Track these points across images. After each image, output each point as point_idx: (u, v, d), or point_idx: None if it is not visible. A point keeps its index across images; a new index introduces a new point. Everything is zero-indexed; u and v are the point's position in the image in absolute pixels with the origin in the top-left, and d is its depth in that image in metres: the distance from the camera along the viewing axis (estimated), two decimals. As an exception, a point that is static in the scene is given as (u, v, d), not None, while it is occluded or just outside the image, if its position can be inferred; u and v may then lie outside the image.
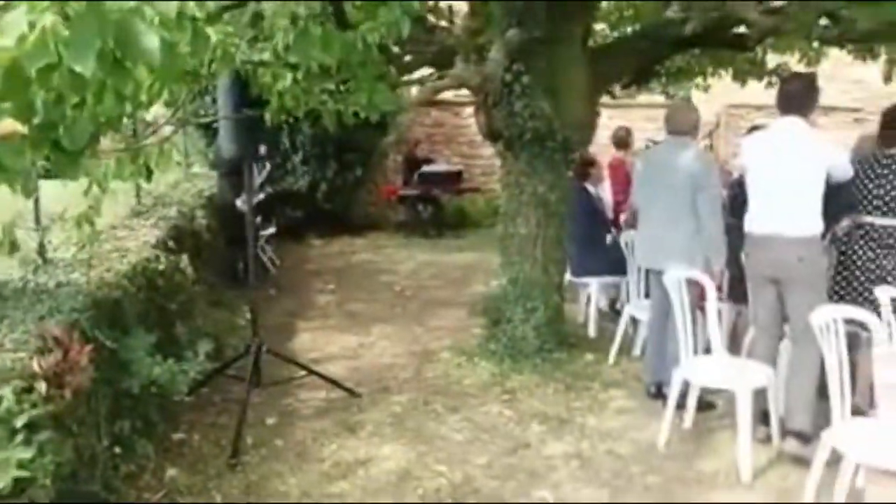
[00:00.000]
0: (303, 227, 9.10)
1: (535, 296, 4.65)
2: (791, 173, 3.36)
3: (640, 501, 3.09)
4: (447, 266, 7.84)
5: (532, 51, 4.35)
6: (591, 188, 5.59)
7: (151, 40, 1.49)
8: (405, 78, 4.69)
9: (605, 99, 7.56)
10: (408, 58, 4.33)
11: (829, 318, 2.80)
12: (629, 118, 10.74)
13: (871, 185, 3.49)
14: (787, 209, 3.38)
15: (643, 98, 10.99)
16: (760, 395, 3.45)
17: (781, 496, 3.09)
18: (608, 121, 9.35)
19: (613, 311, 5.62)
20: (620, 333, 4.70)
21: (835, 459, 2.87)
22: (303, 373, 4.27)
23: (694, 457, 3.48)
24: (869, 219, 3.52)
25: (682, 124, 3.84)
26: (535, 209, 4.66)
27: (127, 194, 5.19)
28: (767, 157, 3.48)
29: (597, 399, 4.15)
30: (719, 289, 4.48)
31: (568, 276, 5.53)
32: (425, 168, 9.57)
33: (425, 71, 5.13)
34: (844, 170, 3.39)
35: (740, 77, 7.42)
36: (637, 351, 4.74)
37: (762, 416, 3.53)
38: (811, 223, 3.34)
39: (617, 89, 7.61)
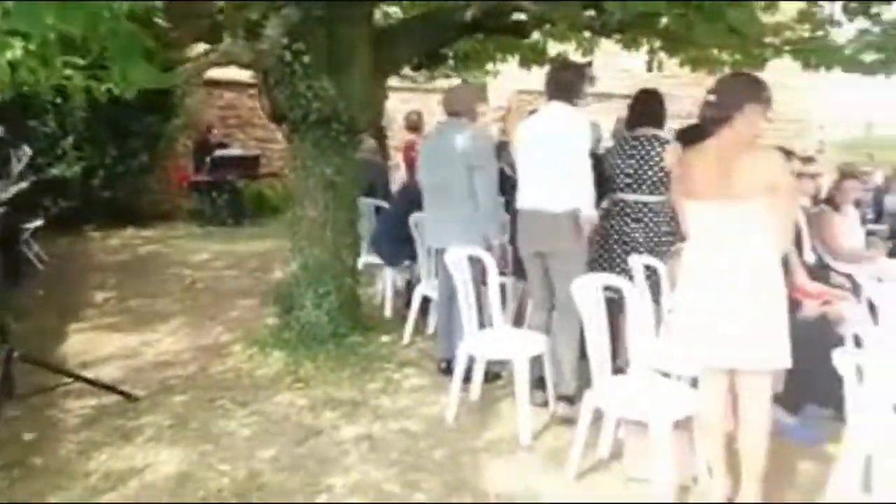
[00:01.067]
0: (78, 218, 8.27)
1: (326, 280, 4.58)
2: (553, 153, 3.56)
3: (429, 476, 3.15)
4: (244, 255, 7.52)
5: (313, 30, 4.24)
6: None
7: None
8: (180, 55, 4.37)
9: (406, 83, 7.65)
10: (177, 32, 4.01)
11: (586, 286, 3.02)
12: (427, 103, 11.00)
13: (622, 164, 3.82)
14: (549, 187, 3.58)
15: (441, 83, 11.27)
16: (537, 363, 3.68)
17: (556, 454, 3.29)
18: (407, 105, 9.52)
19: (410, 292, 5.71)
20: (413, 313, 4.78)
21: (601, 416, 3.13)
22: (69, 379, 3.86)
23: (481, 426, 3.62)
24: (622, 195, 3.85)
25: (457, 105, 3.95)
26: (323, 192, 4.57)
27: None
28: (533, 139, 3.67)
29: (391, 380, 4.19)
30: (505, 264, 4.72)
31: (364, 258, 5.54)
32: (217, 153, 9.08)
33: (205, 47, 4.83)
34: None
35: (525, 64, 7.80)
36: (431, 329, 4.85)
37: (539, 382, 3.76)
38: (570, 200, 3.56)
39: (409, 72, 7.73)
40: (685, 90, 11.83)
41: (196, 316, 5.45)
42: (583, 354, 3.55)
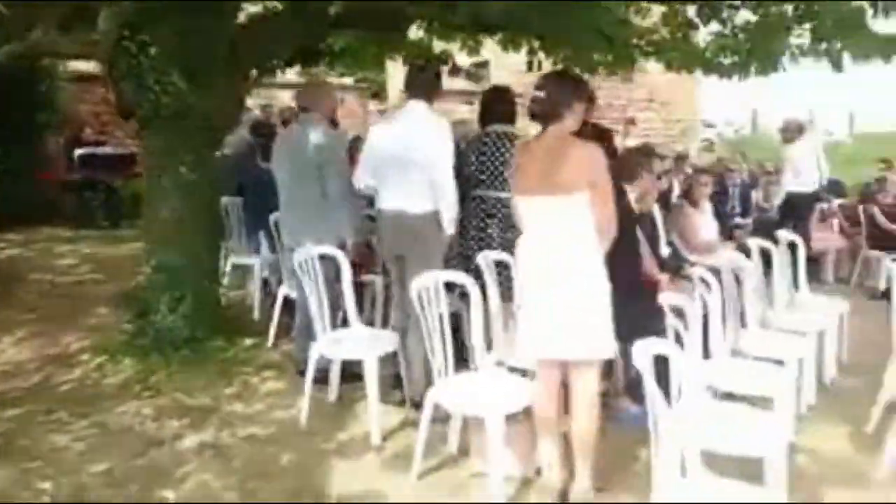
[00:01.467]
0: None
1: (182, 283, 4.39)
2: (411, 154, 3.49)
3: (270, 482, 3.05)
4: (114, 258, 7.14)
5: (158, 21, 4.04)
6: None
7: None
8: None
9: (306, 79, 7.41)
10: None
11: (427, 284, 2.99)
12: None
13: (476, 162, 3.84)
14: (407, 188, 3.53)
15: (333, 80, 11.22)
16: (394, 362, 3.65)
17: (406, 454, 3.23)
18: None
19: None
20: (277, 314, 4.65)
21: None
22: None
23: (334, 429, 3.55)
24: (477, 192, 3.86)
25: (309, 101, 3.86)
26: (177, 192, 4.37)
27: None
28: (390, 139, 3.60)
29: (248, 384, 4.06)
30: (372, 263, 4.66)
31: (233, 259, 5.38)
32: (86, 151, 8.60)
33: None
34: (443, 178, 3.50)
35: (409, 62, 7.73)
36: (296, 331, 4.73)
37: (398, 381, 3.73)
38: (427, 200, 3.52)
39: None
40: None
41: (49, 324, 5.11)
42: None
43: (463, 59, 8.21)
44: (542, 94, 2.73)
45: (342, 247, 3.72)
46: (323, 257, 3.63)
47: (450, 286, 3.13)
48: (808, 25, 4.84)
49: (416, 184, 3.53)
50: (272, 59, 5.25)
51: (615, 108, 14.16)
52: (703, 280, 3.27)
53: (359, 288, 4.77)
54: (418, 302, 2.96)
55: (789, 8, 4.86)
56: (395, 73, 8.54)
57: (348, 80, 11.17)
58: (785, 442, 2.55)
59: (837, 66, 4.84)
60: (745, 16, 5.48)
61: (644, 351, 2.12)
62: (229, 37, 4.48)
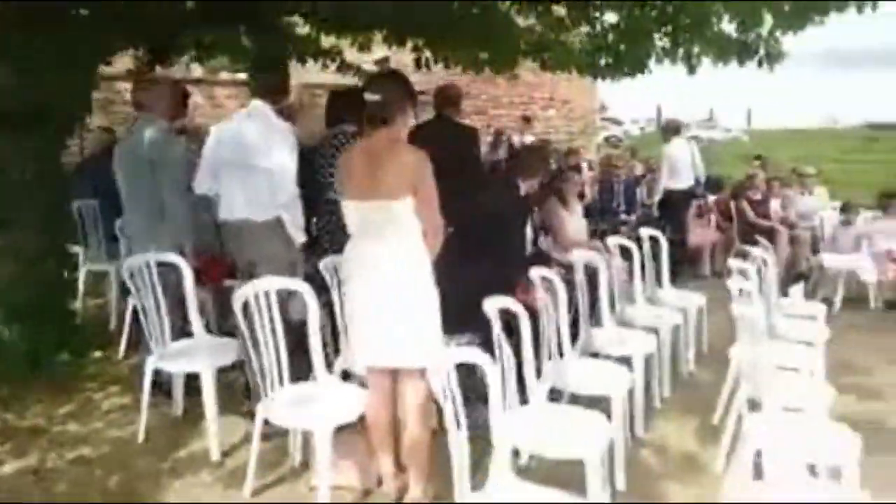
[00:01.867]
0: None
1: (21, 294, 4.08)
2: (249, 157, 3.34)
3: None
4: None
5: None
6: None
7: None
8: None
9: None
10: None
11: (257, 291, 2.86)
12: (211, 94, 10.68)
13: (325, 163, 3.72)
14: (249, 194, 3.37)
15: (225, 75, 10.91)
16: (245, 370, 3.50)
17: (243, 468, 3.07)
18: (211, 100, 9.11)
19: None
20: (128, 323, 4.40)
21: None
22: None
23: (174, 445, 3.37)
24: (329, 194, 3.75)
25: (148, 100, 3.66)
26: (13, 195, 4.06)
27: None
28: (229, 141, 3.42)
29: (90, 401, 3.83)
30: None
31: (88, 266, 5.09)
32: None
33: None
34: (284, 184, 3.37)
35: (300, 59, 7.49)
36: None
37: (248, 391, 3.58)
38: (271, 207, 3.36)
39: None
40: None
41: None
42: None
43: (365, 57, 8.09)
44: (375, 97, 2.65)
45: (181, 252, 3.53)
46: (164, 264, 3.43)
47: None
48: (665, 29, 4.97)
49: (258, 190, 3.36)
50: (118, 51, 4.97)
51: (516, 105, 14.33)
52: (544, 279, 3.26)
53: (223, 294, 4.61)
54: (241, 311, 2.82)
55: (648, 9, 4.98)
56: (296, 69, 8.22)
57: (242, 76, 10.80)
58: (604, 444, 2.56)
59: (692, 69, 4.99)
60: (613, 19, 5.61)
61: (448, 358, 2.07)
62: (64, 29, 4.17)
